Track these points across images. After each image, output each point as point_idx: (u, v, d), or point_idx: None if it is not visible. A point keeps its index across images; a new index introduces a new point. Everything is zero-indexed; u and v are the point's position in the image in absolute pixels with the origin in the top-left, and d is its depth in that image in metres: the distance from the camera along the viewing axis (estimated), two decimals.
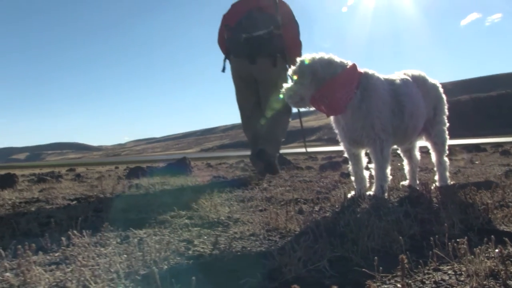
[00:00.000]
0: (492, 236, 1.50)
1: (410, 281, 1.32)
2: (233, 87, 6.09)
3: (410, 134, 3.14)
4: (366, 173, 3.10)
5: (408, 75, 3.16)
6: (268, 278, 1.43)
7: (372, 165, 2.95)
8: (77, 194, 4.26)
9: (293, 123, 6.40)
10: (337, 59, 2.85)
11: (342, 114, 2.88)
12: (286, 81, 2.96)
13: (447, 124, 3.36)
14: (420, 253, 1.60)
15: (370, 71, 2.91)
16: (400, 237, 1.65)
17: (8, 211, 3.26)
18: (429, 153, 3.43)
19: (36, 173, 11.22)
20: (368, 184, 3.11)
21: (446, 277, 1.34)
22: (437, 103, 3.30)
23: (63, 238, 1.87)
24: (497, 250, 1.36)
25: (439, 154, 3.34)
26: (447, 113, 3.36)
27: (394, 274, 1.39)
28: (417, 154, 3.53)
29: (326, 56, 2.85)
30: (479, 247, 1.42)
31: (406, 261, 1.21)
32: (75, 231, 2.00)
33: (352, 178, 3.16)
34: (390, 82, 2.96)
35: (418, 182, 3.50)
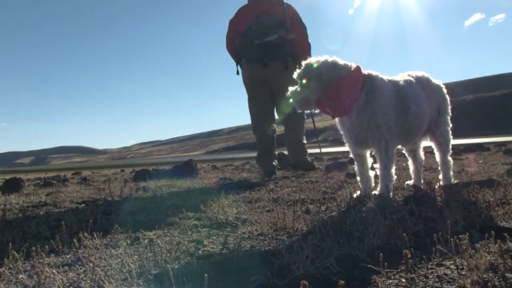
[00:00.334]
0: (492, 232, 1.54)
1: (414, 276, 1.36)
2: (241, 90, 6.25)
3: (414, 134, 3.16)
4: (371, 173, 3.12)
5: (412, 76, 3.19)
6: (277, 275, 1.47)
7: (377, 165, 2.98)
8: (84, 198, 4.29)
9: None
10: (341, 61, 2.88)
11: (347, 116, 2.91)
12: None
13: (451, 125, 3.39)
14: (424, 250, 1.65)
15: (374, 73, 2.94)
16: (405, 235, 1.68)
17: (16, 215, 3.30)
18: (434, 153, 3.45)
19: (42, 177, 11.29)
20: (373, 184, 3.14)
21: (449, 272, 1.38)
22: (441, 104, 3.32)
23: (74, 240, 1.91)
24: (496, 245, 1.40)
25: (443, 153, 3.36)
26: (450, 113, 3.38)
27: (399, 270, 1.43)
28: (422, 154, 3.55)
29: (330, 59, 2.87)
30: (480, 242, 1.46)
31: (410, 256, 1.25)
32: (85, 233, 2.05)
33: (358, 178, 3.18)
34: (394, 83, 2.98)
35: (422, 181, 3.52)
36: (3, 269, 1.55)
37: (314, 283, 1.34)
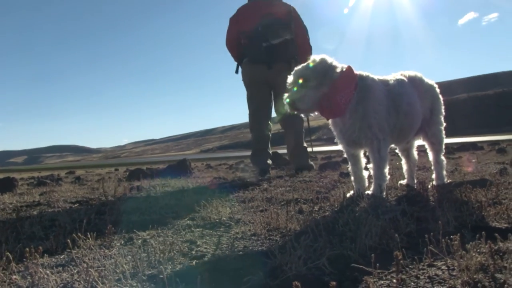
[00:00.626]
0: (483, 232, 1.55)
1: (405, 277, 1.38)
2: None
3: (407, 133, 3.18)
4: (365, 173, 3.13)
5: (404, 76, 3.20)
6: (270, 276, 1.48)
7: (370, 165, 2.99)
8: (78, 197, 4.29)
9: None
10: (335, 62, 2.88)
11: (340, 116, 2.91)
12: None
13: (444, 124, 3.40)
14: (416, 250, 1.66)
15: (365, 73, 2.95)
16: (397, 235, 1.69)
17: (10, 215, 3.30)
18: (427, 152, 3.47)
19: (35, 176, 11.25)
20: (367, 184, 3.15)
21: (440, 272, 1.39)
22: (434, 103, 3.33)
23: (68, 241, 1.91)
24: (487, 246, 1.42)
25: (436, 153, 3.38)
26: (443, 113, 3.39)
27: (390, 270, 1.45)
28: (415, 154, 3.57)
29: (327, 58, 2.87)
30: (471, 243, 1.48)
31: (401, 257, 1.26)
32: (79, 234, 2.05)
33: (352, 178, 3.20)
34: (385, 83, 2.99)
35: (415, 181, 3.55)
36: None
37: (307, 284, 1.35)
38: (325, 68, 2.81)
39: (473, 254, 1.40)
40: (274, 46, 5.79)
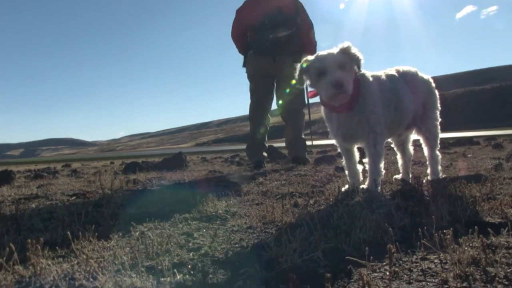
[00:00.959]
0: (476, 227, 1.58)
1: (398, 269, 1.41)
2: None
3: (396, 128, 3.19)
4: (359, 167, 3.16)
5: (398, 71, 3.22)
6: (266, 268, 1.50)
7: (366, 160, 3.01)
8: (75, 190, 4.29)
9: None
10: None
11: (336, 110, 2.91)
12: None
13: (439, 119, 3.41)
14: (409, 244, 1.69)
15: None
16: (391, 229, 1.72)
17: (9, 207, 3.31)
18: (422, 147, 3.49)
19: (32, 169, 11.24)
20: (361, 178, 3.18)
21: (432, 266, 1.42)
22: (428, 98, 3.33)
23: (68, 233, 1.93)
24: (479, 240, 1.45)
25: (431, 148, 3.40)
26: (439, 108, 3.40)
27: (384, 263, 1.47)
28: (411, 148, 3.60)
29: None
30: (464, 237, 1.51)
31: (394, 250, 1.29)
32: (78, 226, 2.07)
33: (346, 172, 3.22)
34: (376, 78, 3.01)
35: (410, 175, 3.57)
36: (1, 260, 1.57)
37: (302, 276, 1.38)
38: (357, 57, 2.77)
39: (466, 248, 1.43)
40: (280, 39, 5.87)
